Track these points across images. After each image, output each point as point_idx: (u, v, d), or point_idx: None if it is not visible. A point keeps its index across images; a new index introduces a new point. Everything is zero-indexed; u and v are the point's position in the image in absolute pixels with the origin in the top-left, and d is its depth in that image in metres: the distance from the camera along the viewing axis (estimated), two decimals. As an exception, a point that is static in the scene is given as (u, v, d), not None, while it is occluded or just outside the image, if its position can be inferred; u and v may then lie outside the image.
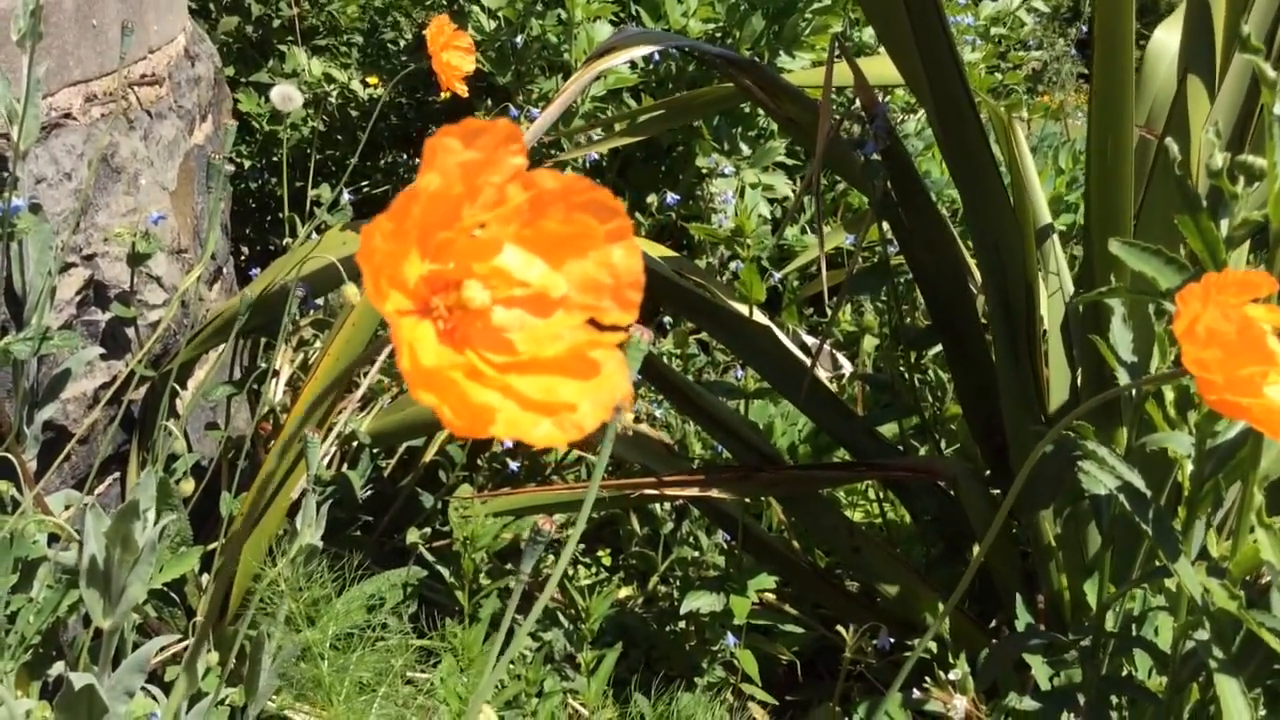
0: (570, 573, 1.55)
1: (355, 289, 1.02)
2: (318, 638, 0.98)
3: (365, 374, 1.48)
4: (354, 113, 2.46)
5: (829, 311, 2.00)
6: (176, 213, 1.45)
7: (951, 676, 0.82)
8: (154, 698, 0.99)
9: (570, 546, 0.50)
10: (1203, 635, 0.81)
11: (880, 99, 1.34)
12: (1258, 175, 0.72)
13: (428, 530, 1.49)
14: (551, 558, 1.68)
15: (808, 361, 1.40)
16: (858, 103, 1.33)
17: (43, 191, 1.20)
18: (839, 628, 1.20)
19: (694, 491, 1.30)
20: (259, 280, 1.43)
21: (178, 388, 1.37)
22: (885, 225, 1.37)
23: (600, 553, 1.62)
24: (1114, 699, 0.96)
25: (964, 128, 1.21)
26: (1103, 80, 1.09)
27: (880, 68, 1.44)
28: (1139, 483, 0.82)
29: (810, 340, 1.91)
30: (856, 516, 1.64)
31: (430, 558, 1.41)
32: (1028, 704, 0.89)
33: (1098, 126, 1.10)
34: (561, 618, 1.43)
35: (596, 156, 1.96)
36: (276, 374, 1.42)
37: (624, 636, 1.43)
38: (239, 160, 2.33)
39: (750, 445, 1.38)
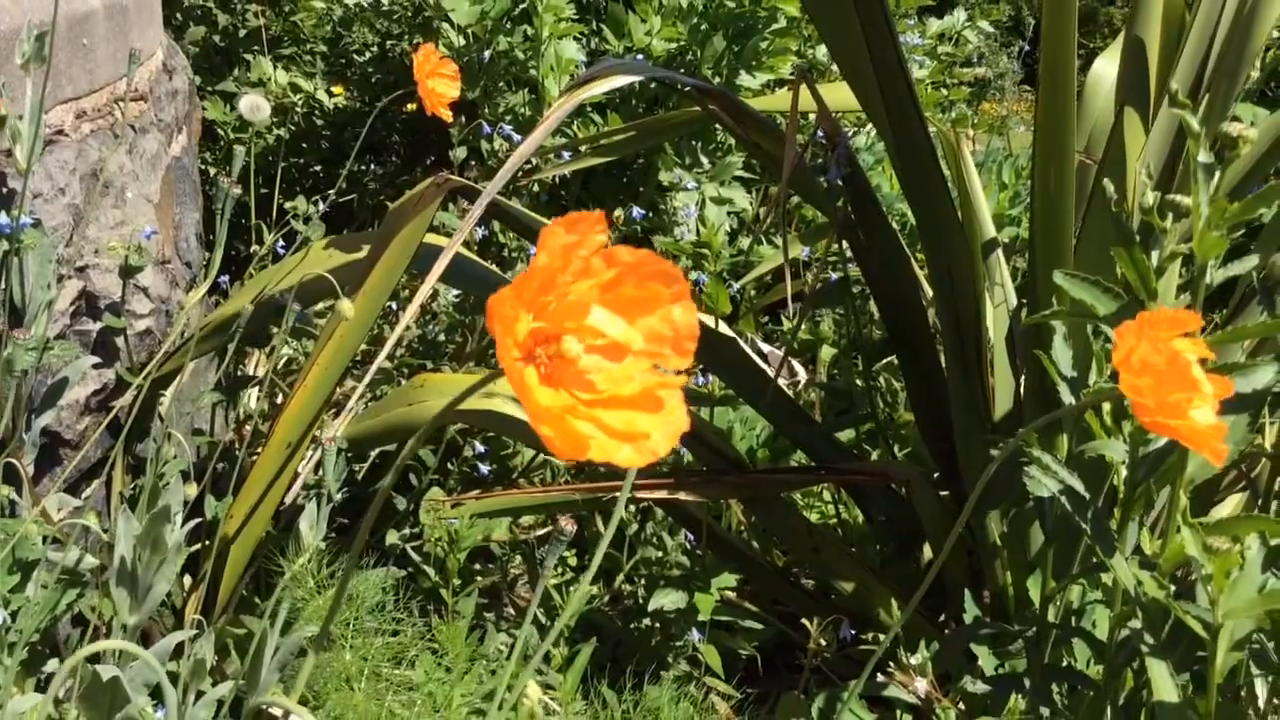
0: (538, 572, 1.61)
1: (349, 303, 1.08)
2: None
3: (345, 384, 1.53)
4: (319, 121, 2.50)
5: (785, 321, 2.09)
6: (159, 224, 1.49)
7: (913, 661, 0.90)
8: (157, 692, 1.04)
9: (603, 545, 0.57)
10: (1136, 624, 0.89)
11: (834, 115, 1.42)
12: (1184, 213, 0.81)
13: (405, 532, 1.55)
14: (519, 559, 1.74)
15: (768, 370, 1.48)
16: (820, 128, 1.41)
17: (39, 206, 1.24)
18: (803, 621, 1.28)
19: (663, 494, 1.36)
20: (246, 289, 1.47)
21: (162, 394, 1.41)
22: (844, 243, 1.44)
23: (567, 553, 1.68)
24: (1055, 686, 1.04)
25: (917, 153, 1.28)
26: (1046, 116, 1.18)
27: (839, 94, 1.52)
28: (1079, 486, 0.91)
29: (766, 348, 1.98)
30: (813, 517, 1.72)
31: (416, 558, 1.46)
32: (980, 687, 0.97)
33: (1041, 158, 1.19)
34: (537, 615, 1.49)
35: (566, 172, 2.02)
36: (260, 381, 1.47)
37: (592, 633, 1.50)
38: (204, 167, 2.36)
39: (714, 449, 1.44)
